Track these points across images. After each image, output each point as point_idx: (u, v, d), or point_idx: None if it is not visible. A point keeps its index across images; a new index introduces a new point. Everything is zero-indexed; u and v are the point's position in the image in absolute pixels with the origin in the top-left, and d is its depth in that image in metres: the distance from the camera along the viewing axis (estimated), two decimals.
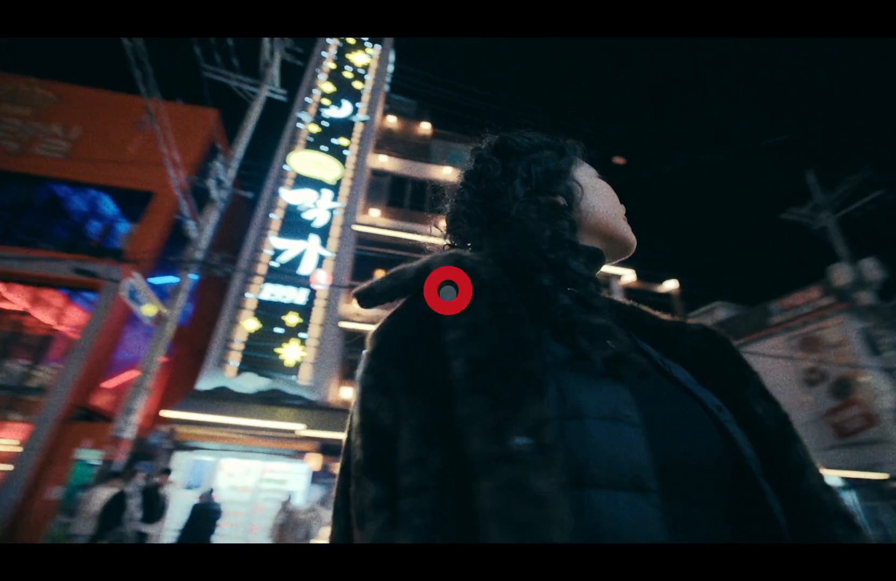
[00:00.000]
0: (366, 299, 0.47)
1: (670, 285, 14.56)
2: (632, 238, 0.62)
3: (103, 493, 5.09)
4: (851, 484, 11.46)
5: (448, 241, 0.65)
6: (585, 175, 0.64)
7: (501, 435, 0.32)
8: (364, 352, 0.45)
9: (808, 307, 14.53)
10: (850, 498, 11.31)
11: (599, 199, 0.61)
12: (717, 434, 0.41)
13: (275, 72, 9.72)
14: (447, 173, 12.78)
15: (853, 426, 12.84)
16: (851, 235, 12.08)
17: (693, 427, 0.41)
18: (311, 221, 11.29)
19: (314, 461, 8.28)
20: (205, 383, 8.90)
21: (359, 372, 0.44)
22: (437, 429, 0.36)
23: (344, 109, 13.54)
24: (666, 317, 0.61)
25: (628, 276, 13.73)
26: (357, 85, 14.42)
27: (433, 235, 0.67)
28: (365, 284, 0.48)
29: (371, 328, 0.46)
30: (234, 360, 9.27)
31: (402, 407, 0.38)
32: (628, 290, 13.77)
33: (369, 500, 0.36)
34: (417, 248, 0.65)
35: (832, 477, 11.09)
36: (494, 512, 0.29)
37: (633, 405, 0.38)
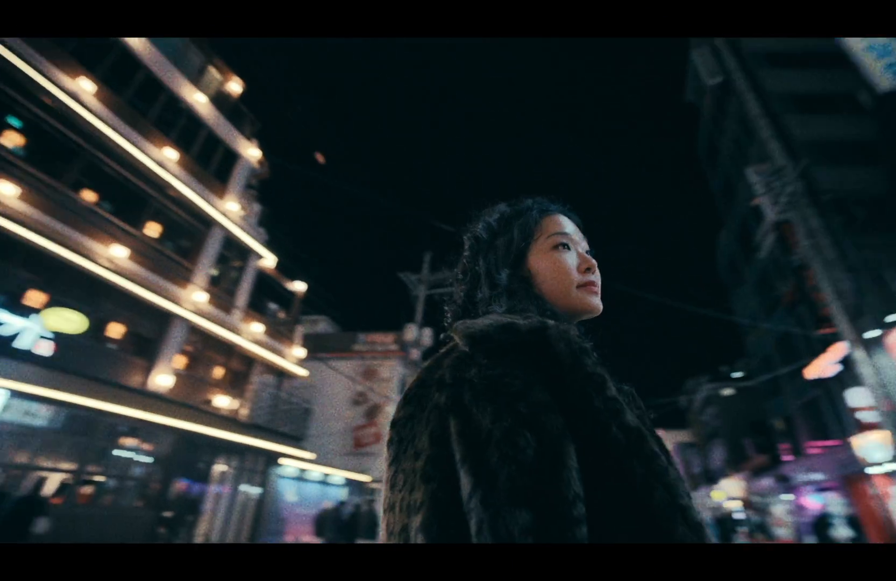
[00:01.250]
0: (482, 342, 0.51)
1: (299, 286, 15.40)
2: (588, 305, 0.68)
3: None
4: (348, 482, 16.65)
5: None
6: (539, 252, 0.70)
7: (679, 490, 0.42)
8: (454, 389, 0.48)
9: (381, 347, 19.95)
10: (345, 492, 16.31)
11: (549, 280, 0.68)
12: None
13: None
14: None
15: (367, 440, 18.32)
16: (430, 308, 14.93)
17: None
18: None
19: None
20: None
21: (465, 410, 0.46)
22: (591, 472, 0.43)
23: None
24: None
25: (268, 261, 13.89)
26: None
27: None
28: (479, 328, 0.53)
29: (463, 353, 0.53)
30: None
31: (556, 445, 0.42)
32: (262, 273, 13.99)
33: (519, 528, 0.37)
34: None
35: (339, 475, 16.12)
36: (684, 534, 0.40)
37: None
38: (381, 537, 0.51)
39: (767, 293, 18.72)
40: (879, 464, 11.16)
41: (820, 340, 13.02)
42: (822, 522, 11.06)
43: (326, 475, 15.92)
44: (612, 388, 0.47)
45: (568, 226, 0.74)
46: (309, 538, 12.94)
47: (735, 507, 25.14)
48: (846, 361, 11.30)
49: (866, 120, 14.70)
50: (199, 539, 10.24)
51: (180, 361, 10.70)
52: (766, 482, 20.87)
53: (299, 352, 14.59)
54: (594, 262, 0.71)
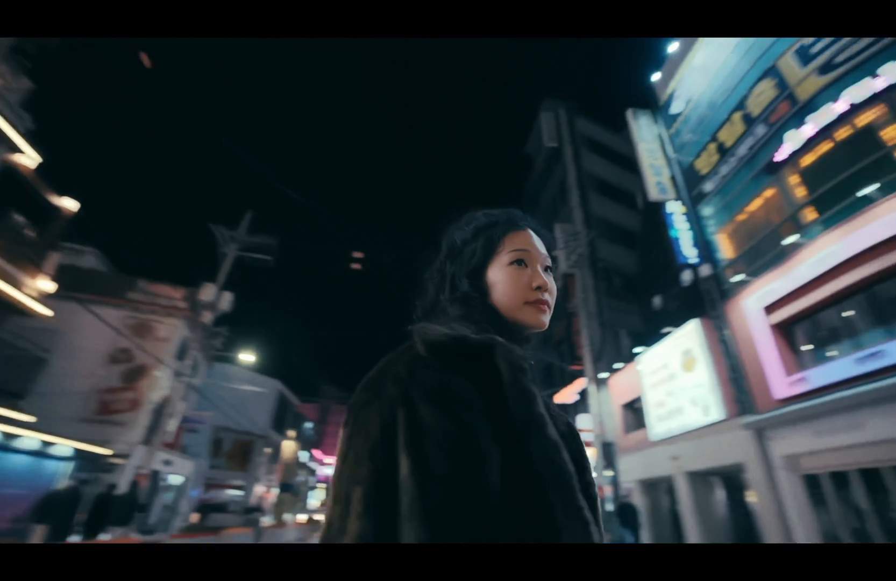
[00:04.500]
0: (436, 350, 0.58)
1: (68, 202, 11.47)
2: (530, 321, 0.73)
3: None
4: (79, 454, 12.51)
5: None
6: (497, 266, 0.76)
7: (577, 502, 0.51)
8: (404, 385, 0.55)
9: (165, 301, 16.44)
10: (70, 467, 12.24)
11: (501, 293, 0.74)
12: None
13: None
14: None
15: (119, 407, 14.64)
16: (239, 271, 14.04)
17: None
18: None
19: None
20: None
21: (412, 405, 0.53)
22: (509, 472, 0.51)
23: None
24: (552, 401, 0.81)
25: (27, 158, 10.03)
26: None
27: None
28: (435, 337, 0.60)
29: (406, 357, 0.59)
30: None
31: (484, 448, 0.51)
32: (12, 171, 9.68)
33: (443, 510, 0.46)
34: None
35: (66, 445, 11.97)
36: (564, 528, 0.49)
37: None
38: (327, 504, 0.55)
39: (545, 329, 23.11)
40: None
41: (571, 374, 16.86)
42: None
43: (47, 444, 11.93)
44: (540, 405, 0.56)
45: (531, 243, 0.78)
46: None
47: None
48: (583, 393, 14.89)
49: (636, 215, 19.73)
50: None
51: None
52: None
53: (46, 285, 10.89)
54: (547, 281, 0.75)
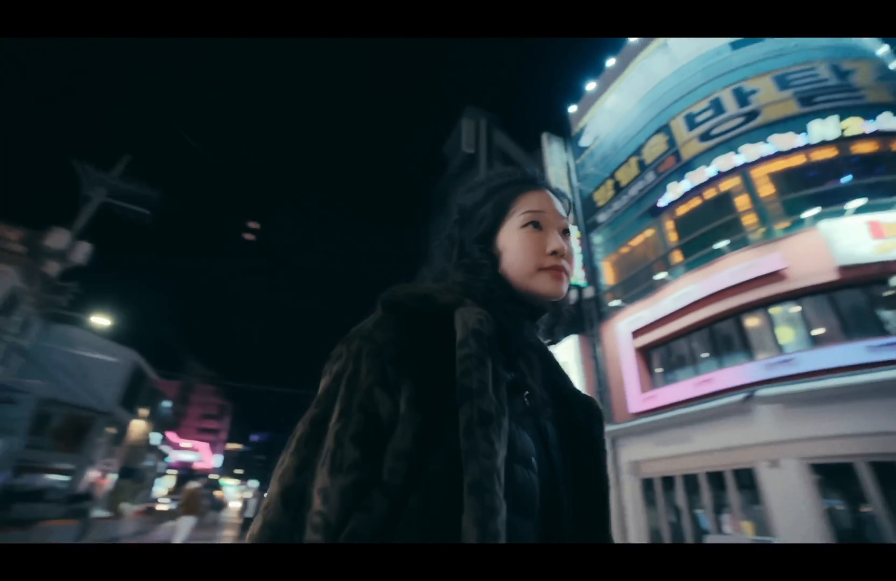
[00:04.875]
0: (394, 309, 0.59)
1: None
2: (546, 290, 0.65)
3: None
4: None
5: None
6: (509, 229, 0.69)
7: (494, 475, 0.46)
8: (361, 342, 0.55)
9: None
10: None
11: (511, 258, 0.67)
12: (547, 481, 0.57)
13: None
14: None
15: None
16: (105, 221, 12.41)
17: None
18: None
19: None
20: None
21: (362, 362, 0.54)
22: (432, 439, 0.49)
23: None
24: (570, 382, 0.72)
25: None
26: None
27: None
28: (397, 296, 0.59)
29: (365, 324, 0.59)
30: None
31: (405, 413, 0.50)
32: None
33: (349, 461, 0.48)
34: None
35: None
36: (474, 523, 0.43)
37: (534, 454, 0.55)
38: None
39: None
40: None
41: None
42: None
43: None
44: (482, 374, 0.51)
45: (548, 204, 0.70)
46: None
47: None
48: None
49: None
50: None
51: None
52: None
53: None
54: (565, 246, 0.67)
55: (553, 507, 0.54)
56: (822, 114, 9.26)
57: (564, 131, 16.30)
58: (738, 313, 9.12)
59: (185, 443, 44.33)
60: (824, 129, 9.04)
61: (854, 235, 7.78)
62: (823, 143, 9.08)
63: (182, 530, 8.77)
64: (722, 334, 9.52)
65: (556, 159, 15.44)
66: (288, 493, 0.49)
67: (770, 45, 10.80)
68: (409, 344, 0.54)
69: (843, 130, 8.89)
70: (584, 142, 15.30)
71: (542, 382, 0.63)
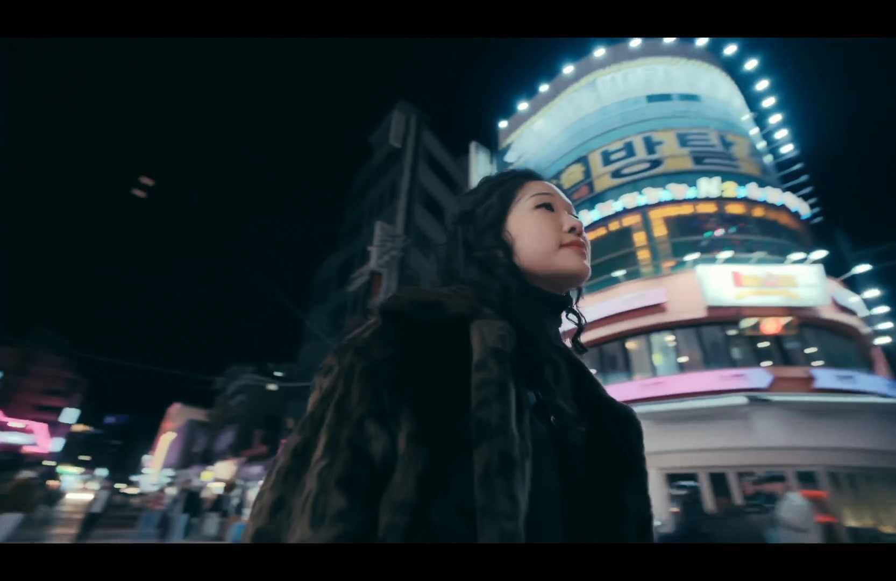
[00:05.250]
0: (394, 318, 0.51)
1: None
2: (571, 266, 0.59)
3: None
4: None
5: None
6: (518, 214, 0.63)
7: (507, 530, 0.38)
8: (355, 357, 0.47)
9: None
10: None
11: (526, 242, 0.61)
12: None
13: None
14: None
15: None
16: None
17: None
18: None
19: None
20: None
21: (354, 384, 0.46)
22: (438, 485, 0.41)
23: None
24: (602, 390, 0.62)
25: None
26: None
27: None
28: (397, 304, 0.51)
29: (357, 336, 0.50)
30: None
31: (406, 452, 0.42)
32: None
33: (334, 510, 0.39)
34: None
35: None
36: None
37: (558, 495, 0.47)
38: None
39: (338, 319, 22.14)
40: None
41: None
42: None
43: None
44: (503, 404, 0.43)
45: (554, 190, 0.66)
46: None
47: (219, 487, 26.41)
48: None
49: None
50: None
51: None
52: (256, 469, 22.93)
53: None
54: (581, 222, 0.62)
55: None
56: (709, 174, 10.69)
57: (492, 144, 16.75)
58: (624, 337, 9.93)
59: (14, 422, 36.60)
60: (709, 187, 10.43)
61: (721, 281, 8.96)
62: (707, 199, 10.45)
63: None
64: (609, 355, 10.27)
65: (480, 169, 15.74)
66: (260, 537, 0.42)
67: (677, 105, 12.29)
68: (411, 364, 0.46)
69: (722, 191, 10.31)
70: (509, 157, 15.85)
71: (573, 393, 0.55)
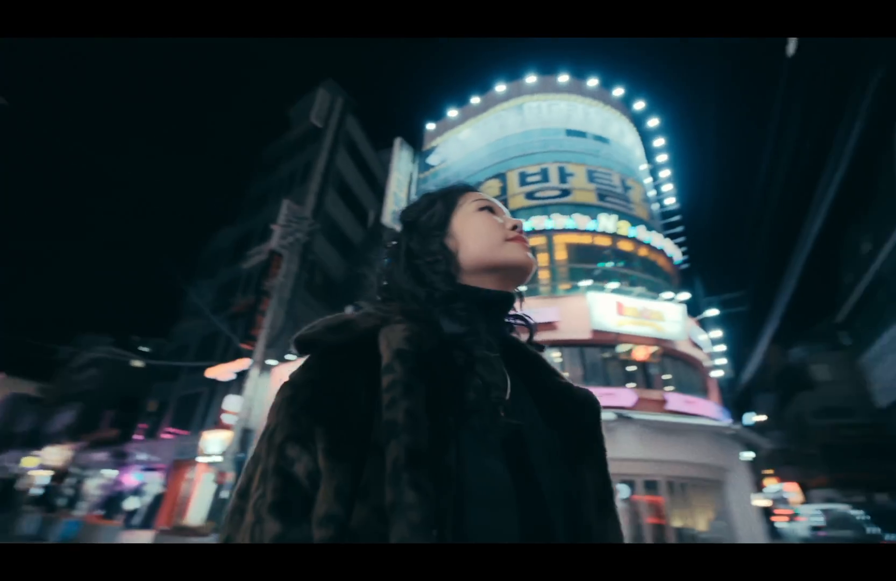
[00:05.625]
0: (308, 348, 0.51)
1: None
2: (517, 257, 0.61)
3: None
4: None
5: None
6: (462, 216, 0.65)
7: (425, 531, 0.39)
8: (282, 389, 0.49)
9: None
10: None
11: (472, 239, 0.62)
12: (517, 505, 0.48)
13: None
14: None
15: None
16: None
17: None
18: None
19: None
20: None
21: (279, 414, 0.47)
22: (360, 494, 0.42)
23: None
24: (560, 378, 0.64)
25: None
26: None
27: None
28: (310, 334, 0.51)
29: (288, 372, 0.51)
30: None
31: (324, 467, 0.43)
32: None
33: (270, 536, 0.41)
34: None
35: None
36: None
37: (505, 483, 0.47)
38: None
39: (226, 296, 19.83)
40: (209, 456, 12.89)
41: (237, 351, 14.60)
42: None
43: None
44: (413, 399, 0.45)
45: (492, 198, 0.69)
46: None
47: (43, 476, 21.73)
48: (242, 374, 12.97)
49: (361, 231, 20.36)
50: None
51: None
52: (100, 455, 19.44)
53: None
54: (521, 221, 0.66)
55: (541, 533, 0.47)
56: (609, 211, 11.92)
57: (417, 144, 16.67)
58: None
59: None
60: (607, 222, 11.62)
61: (606, 308, 9.95)
62: (604, 233, 11.62)
63: None
64: None
65: (402, 166, 15.51)
66: None
67: (590, 144, 13.57)
68: (327, 384, 0.48)
69: (617, 228, 11.56)
70: (431, 160, 15.93)
71: (528, 385, 0.60)
